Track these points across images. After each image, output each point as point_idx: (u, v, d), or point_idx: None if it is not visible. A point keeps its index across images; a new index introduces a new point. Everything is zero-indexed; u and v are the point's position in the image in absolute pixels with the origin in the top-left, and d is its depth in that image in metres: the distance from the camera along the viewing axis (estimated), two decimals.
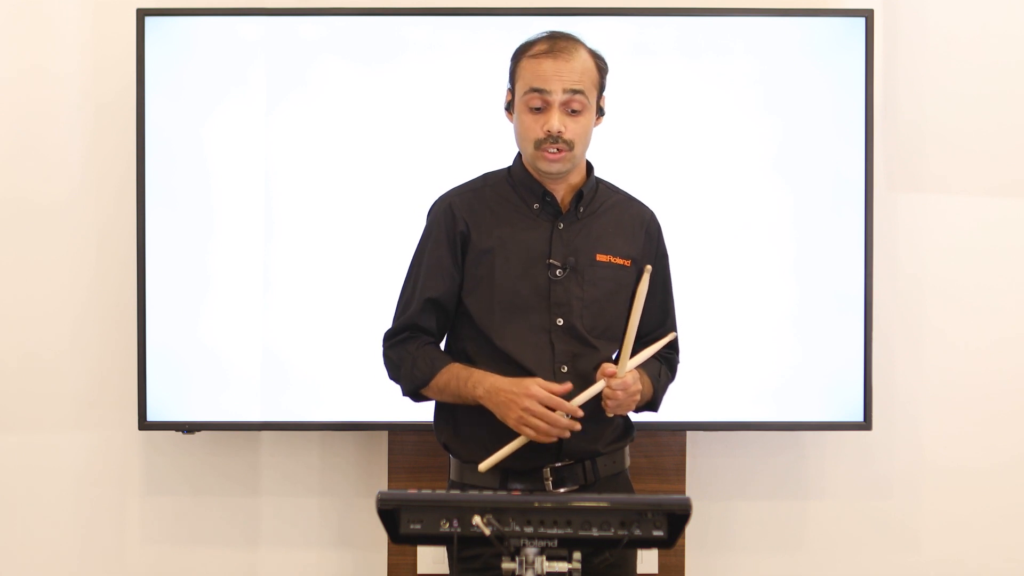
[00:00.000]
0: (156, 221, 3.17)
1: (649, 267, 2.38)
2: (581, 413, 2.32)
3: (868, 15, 3.17)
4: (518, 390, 2.30)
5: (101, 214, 3.33)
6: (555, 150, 2.36)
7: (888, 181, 3.35)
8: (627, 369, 2.36)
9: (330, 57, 3.18)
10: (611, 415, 2.39)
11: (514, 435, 2.34)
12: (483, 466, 2.34)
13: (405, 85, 3.18)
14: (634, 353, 2.42)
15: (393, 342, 2.48)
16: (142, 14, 3.14)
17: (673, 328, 2.57)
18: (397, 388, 2.57)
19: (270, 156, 3.19)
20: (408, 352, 2.44)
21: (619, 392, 2.33)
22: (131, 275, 3.22)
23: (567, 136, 2.35)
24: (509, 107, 2.46)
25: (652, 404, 2.53)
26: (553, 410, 2.31)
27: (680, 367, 2.62)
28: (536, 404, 2.29)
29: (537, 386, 2.30)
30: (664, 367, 2.55)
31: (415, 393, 2.46)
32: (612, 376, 2.34)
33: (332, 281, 3.18)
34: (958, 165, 3.38)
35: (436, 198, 2.52)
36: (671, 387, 2.59)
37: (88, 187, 3.33)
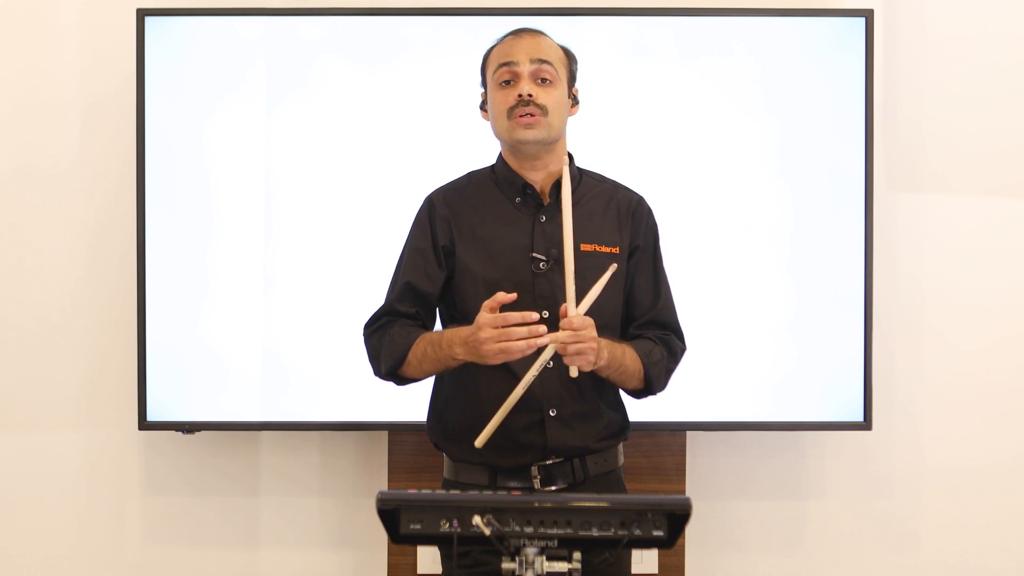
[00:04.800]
0: (156, 221, 3.17)
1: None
2: (535, 316, 2.26)
3: (868, 15, 3.17)
4: (473, 328, 2.28)
5: (101, 214, 3.33)
6: (528, 114, 2.37)
7: (888, 181, 3.35)
8: (574, 313, 2.29)
9: (330, 57, 3.18)
10: (574, 370, 2.30)
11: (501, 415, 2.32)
12: (479, 441, 2.33)
13: (405, 85, 3.18)
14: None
15: (372, 329, 2.49)
16: (142, 14, 3.15)
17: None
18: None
19: (270, 156, 3.19)
20: (386, 334, 2.44)
21: (563, 335, 2.25)
22: (131, 275, 3.22)
23: (539, 100, 2.38)
24: (483, 105, 2.50)
25: (649, 386, 2.47)
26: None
27: (682, 364, 2.57)
28: (490, 329, 2.25)
29: (482, 313, 2.27)
30: (660, 347, 2.49)
31: (394, 372, 2.44)
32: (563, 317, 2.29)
33: (332, 281, 3.18)
34: (958, 165, 3.38)
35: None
36: (672, 383, 2.55)
37: (88, 187, 3.33)
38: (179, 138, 3.18)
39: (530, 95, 2.37)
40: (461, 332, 2.33)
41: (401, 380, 2.48)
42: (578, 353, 2.28)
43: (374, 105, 3.18)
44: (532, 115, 2.38)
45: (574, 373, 2.32)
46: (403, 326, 2.44)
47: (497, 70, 2.42)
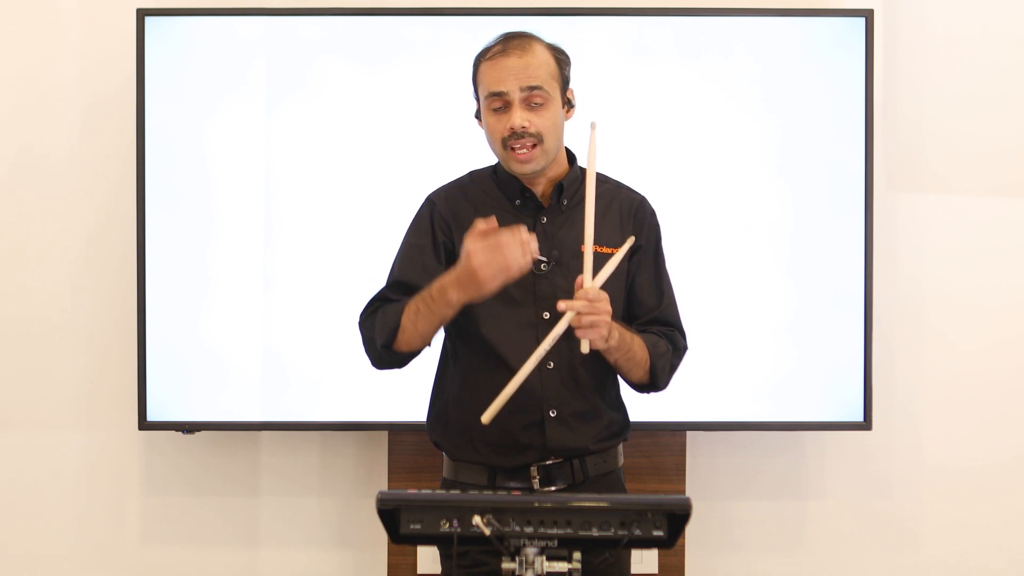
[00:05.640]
0: (156, 221, 3.17)
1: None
2: (602, 293, 2.23)
3: (868, 15, 3.17)
4: (464, 262, 2.24)
5: (101, 214, 3.33)
6: (523, 148, 2.36)
7: (888, 181, 3.35)
8: (590, 285, 2.27)
9: (330, 57, 3.18)
10: (585, 345, 2.27)
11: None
12: (486, 417, 2.28)
13: (405, 85, 3.18)
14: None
15: (365, 316, 2.45)
16: (142, 14, 3.15)
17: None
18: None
19: (270, 156, 3.19)
20: (379, 312, 2.41)
21: (579, 303, 2.23)
22: (131, 275, 3.22)
23: (532, 130, 2.36)
24: (478, 114, 2.47)
25: (654, 378, 2.45)
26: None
27: (682, 364, 2.55)
28: (481, 254, 2.21)
29: (467, 241, 2.24)
30: (665, 341, 2.47)
31: (390, 344, 2.37)
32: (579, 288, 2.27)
33: (332, 281, 3.18)
34: (958, 165, 3.38)
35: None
36: (673, 383, 2.54)
37: (88, 187, 3.33)
38: (179, 138, 3.18)
39: (523, 127, 2.35)
40: (451, 273, 2.28)
41: (398, 358, 2.42)
42: (592, 326, 2.25)
43: (374, 105, 3.18)
44: (527, 149, 2.36)
45: (585, 348, 2.29)
46: (394, 304, 2.41)
47: (488, 97, 2.39)
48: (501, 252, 2.21)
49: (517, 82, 2.35)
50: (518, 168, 2.39)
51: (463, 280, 2.25)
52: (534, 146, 2.36)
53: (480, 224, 2.24)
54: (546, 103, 2.38)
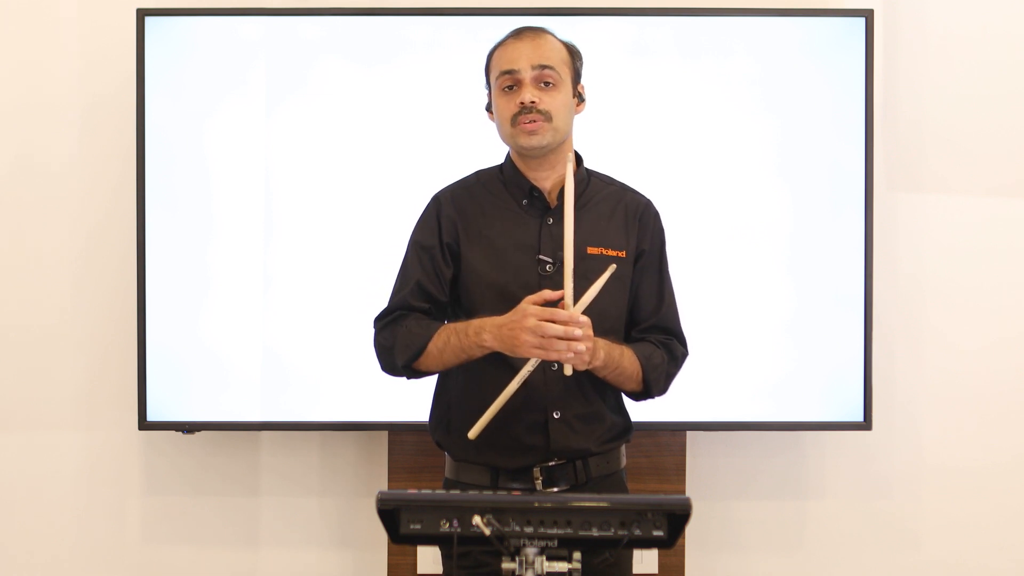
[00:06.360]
0: (156, 221, 3.17)
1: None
2: (583, 318, 2.26)
3: (868, 15, 3.17)
4: (516, 317, 2.26)
5: (101, 214, 3.33)
6: (531, 120, 2.36)
7: (888, 181, 3.36)
8: (571, 311, 2.28)
9: (330, 57, 3.18)
10: (568, 369, 2.30)
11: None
12: (472, 433, 2.32)
13: (405, 85, 3.18)
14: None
15: (384, 323, 2.46)
16: (142, 14, 3.15)
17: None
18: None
19: (270, 156, 3.19)
20: (401, 326, 2.42)
21: (560, 330, 2.24)
22: (131, 275, 3.22)
23: (541, 107, 2.36)
24: (489, 107, 2.48)
25: (647, 389, 2.46)
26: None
27: (684, 364, 2.57)
28: (535, 321, 2.23)
29: (530, 304, 2.26)
30: (661, 351, 2.48)
31: (410, 365, 2.40)
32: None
33: (332, 281, 3.18)
34: (958, 165, 3.38)
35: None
36: (674, 384, 2.54)
37: (88, 187, 3.33)
38: (179, 138, 3.18)
39: (532, 102, 2.36)
40: (495, 319, 2.30)
41: (414, 374, 2.45)
42: (573, 352, 2.27)
43: (374, 105, 3.18)
44: (535, 121, 2.36)
45: (568, 371, 2.32)
46: (418, 319, 2.42)
47: (499, 77, 2.40)
48: (547, 333, 2.22)
49: (528, 60, 2.37)
50: (525, 141, 2.38)
51: (504, 331, 2.27)
52: (540, 121, 2.37)
53: (547, 294, 2.26)
54: (557, 84, 2.39)
